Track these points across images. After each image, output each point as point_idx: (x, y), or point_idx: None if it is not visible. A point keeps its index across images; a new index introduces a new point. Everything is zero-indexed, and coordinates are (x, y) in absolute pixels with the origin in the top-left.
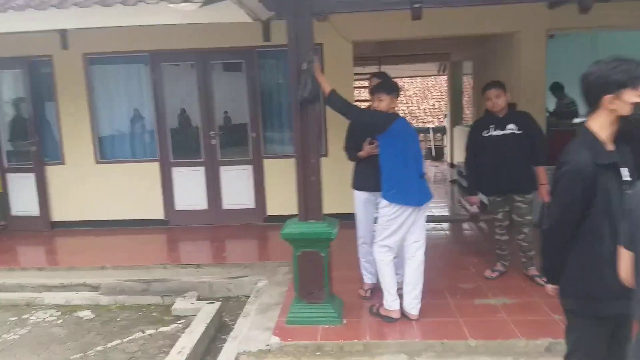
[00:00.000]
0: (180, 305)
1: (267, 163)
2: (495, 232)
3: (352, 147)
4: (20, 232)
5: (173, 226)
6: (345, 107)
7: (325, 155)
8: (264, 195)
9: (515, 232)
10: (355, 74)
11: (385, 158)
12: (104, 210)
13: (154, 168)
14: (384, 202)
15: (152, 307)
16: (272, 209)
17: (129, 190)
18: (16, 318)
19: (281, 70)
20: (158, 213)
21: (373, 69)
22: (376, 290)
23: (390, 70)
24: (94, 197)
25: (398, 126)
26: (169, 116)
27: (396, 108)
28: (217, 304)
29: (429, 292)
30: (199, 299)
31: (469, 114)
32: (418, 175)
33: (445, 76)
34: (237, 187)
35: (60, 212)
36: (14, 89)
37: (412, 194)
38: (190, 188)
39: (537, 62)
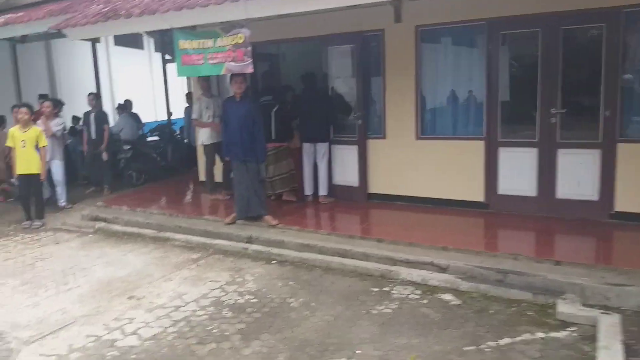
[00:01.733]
0: (567, 309)
1: (622, 148)
2: None
3: None
4: (339, 201)
5: (493, 211)
6: None
7: None
8: (613, 187)
9: None
10: None
11: None
12: (419, 187)
13: (477, 147)
14: None
15: (524, 304)
16: (623, 204)
17: (448, 169)
18: (377, 289)
19: None
20: (477, 195)
21: None
22: None
23: None
24: (411, 172)
25: None
26: (501, 91)
27: None
28: (617, 317)
29: None
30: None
31: None
32: None
33: None
34: (577, 174)
35: (376, 185)
36: (346, 64)
37: None
38: (518, 171)
39: None
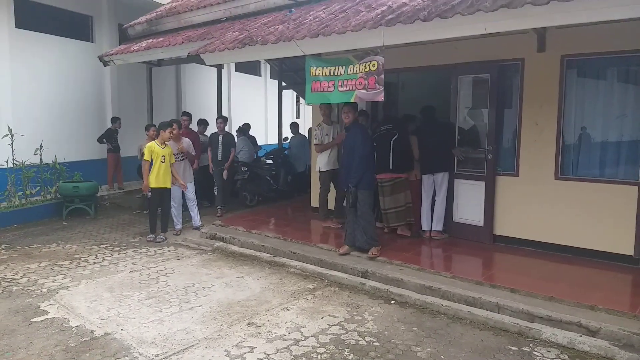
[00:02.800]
0: None
1: None
2: None
3: None
4: (460, 240)
5: None
6: None
7: None
8: None
9: None
10: None
11: None
12: (555, 233)
13: (629, 192)
14: None
15: None
16: None
17: (590, 215)
18: (516, 348)
19: None
20: (626, 248)
21: None
22: None
23: None
24: (546, 216)
25: None
26: None
27: None
28: None
29: None
30: None
31: None
32: None
33: None
34: None
35: (504, 226)
36: (476, 94)
37: None
38: None
39: None
